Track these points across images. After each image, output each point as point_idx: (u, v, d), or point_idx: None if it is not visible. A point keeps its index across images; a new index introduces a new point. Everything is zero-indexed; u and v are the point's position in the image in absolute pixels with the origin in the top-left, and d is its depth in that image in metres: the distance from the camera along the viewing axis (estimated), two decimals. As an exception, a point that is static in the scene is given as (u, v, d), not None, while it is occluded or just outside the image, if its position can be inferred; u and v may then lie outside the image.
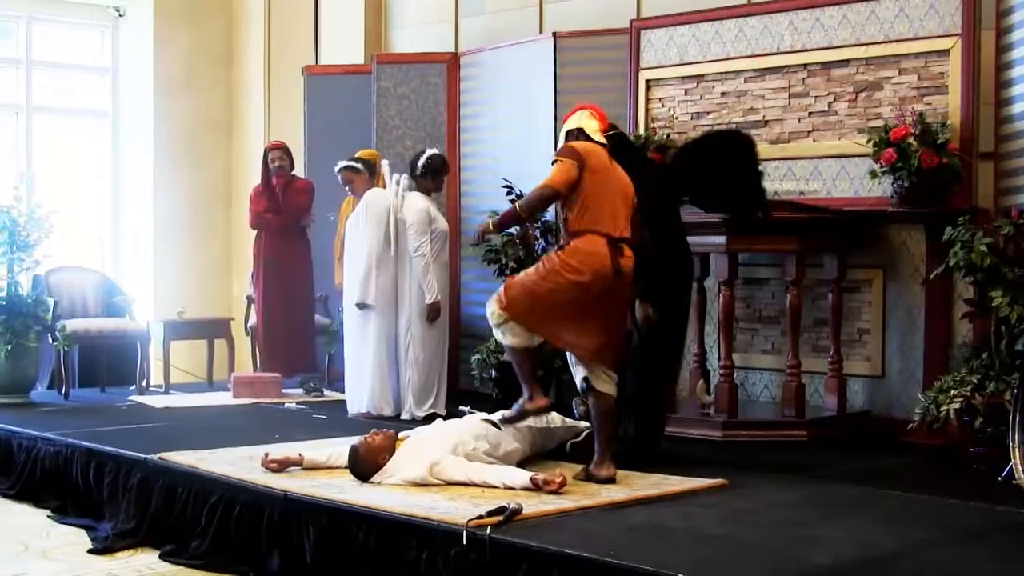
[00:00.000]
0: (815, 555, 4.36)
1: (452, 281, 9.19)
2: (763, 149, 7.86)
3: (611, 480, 5.62)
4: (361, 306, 8.16)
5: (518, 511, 4.84)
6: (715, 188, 6.57)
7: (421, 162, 8.21)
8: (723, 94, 8.17)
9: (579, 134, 5.90)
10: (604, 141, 5.90)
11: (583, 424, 6.40)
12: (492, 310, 5.78)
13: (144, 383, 9.70)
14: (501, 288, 5.81)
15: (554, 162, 5.75)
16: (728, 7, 8.16)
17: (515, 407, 5.93)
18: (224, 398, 9.25)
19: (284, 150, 9.54)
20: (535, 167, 8.35)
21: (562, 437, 6.35)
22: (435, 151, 8.37)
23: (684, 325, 6.56)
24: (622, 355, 5.86)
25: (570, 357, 5.86)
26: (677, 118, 8.35)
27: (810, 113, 7.77)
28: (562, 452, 6.33)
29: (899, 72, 7.39)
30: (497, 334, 5.84)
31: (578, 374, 5.80)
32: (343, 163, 8.50)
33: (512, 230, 7.98)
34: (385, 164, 8.58)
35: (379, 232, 8.18)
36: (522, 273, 5.88)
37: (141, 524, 6.22)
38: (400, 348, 8.18)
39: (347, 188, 8.57)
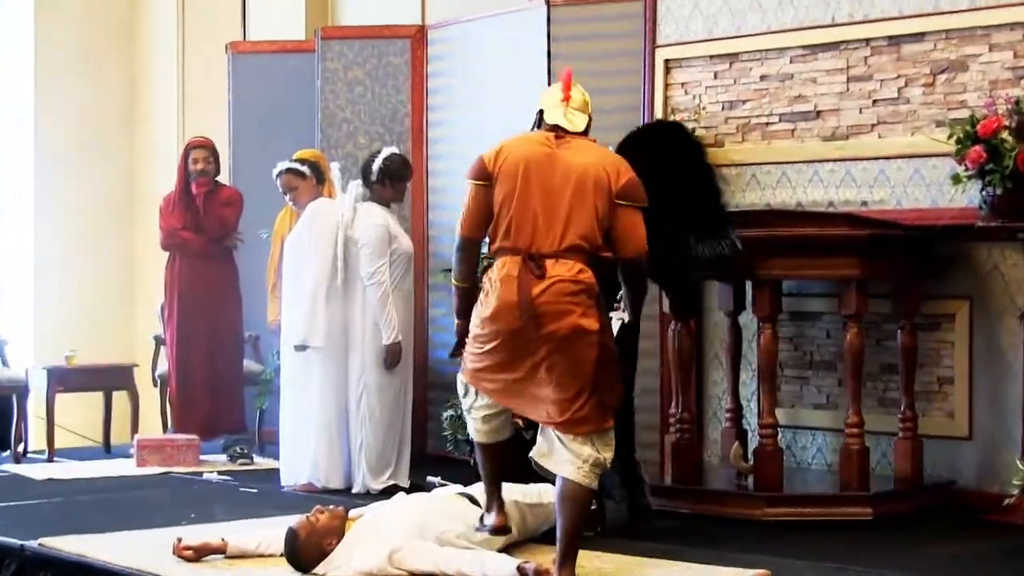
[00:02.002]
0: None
1: (418, 316, 9.16)
2: (815, 147, 7.92)
3: None
4: (301, 348, 8.13)
5: (503, 611, 4.83)
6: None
7: (377, 165, 8.20)
8: (763, 78, 8.18)
9: (539, 117, 5.87)
10: (560, 122, 5.72)
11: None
12: (459, 388, 5.79)
13: (21, 448, 9.64)
14: None
15: None
16: (769, -34, 8.20)
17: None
18: (126, 467, 9.21)
19: (211, 150, 9.51)
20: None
21: (559, 516, 6.32)
22: (394, 150, 8.37)
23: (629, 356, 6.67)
24: (609, 414, 5.54)
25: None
26: (704, 108, 8.35)
27: (875, 101, 7.77)
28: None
29: (989, 48, 7.40)
30: (470, 427, 5.83)
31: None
32: (285, 164, 8.49)
33: None
34: (335, 168, 8.57)
35: (327, 253, 8.16)
36: None
37: (17, 630, 6.18)
38: (351, 402, 8.15)
39: (287, 197, 8.56)
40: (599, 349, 5.42)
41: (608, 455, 5.48)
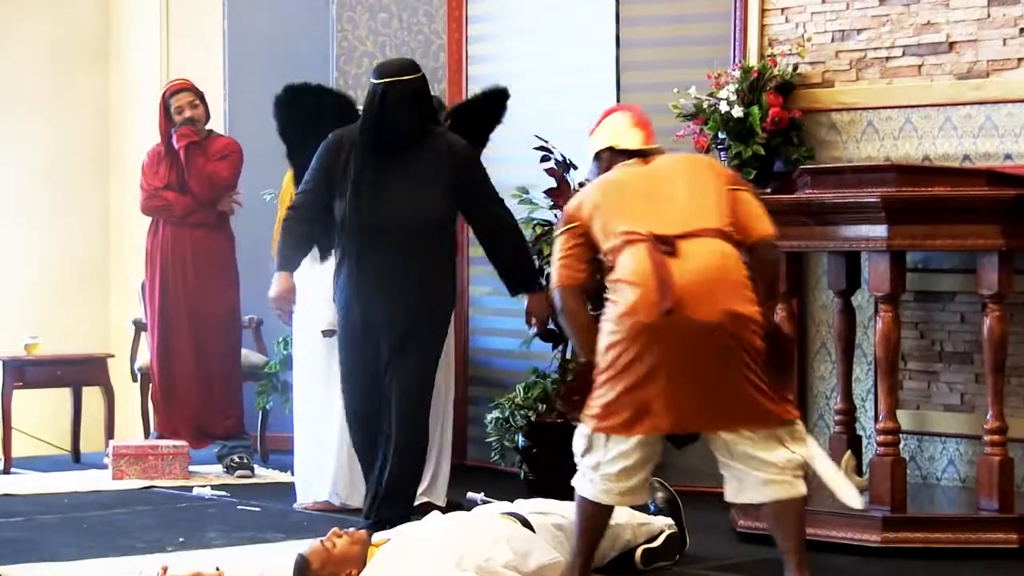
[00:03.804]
0: None
1: (458, 296, 9.14)
2: (947, 88, 7.87)
3: None
4: (330, 333, 8.11)
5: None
6: None
7: (407, 109, 8.21)
8: (883, 2, 8.13)
9: (610, 156, 6.10)
10: (640, 145, 6.05)
11: (660, 521, 6.41)
12: (576, 445, 5.81)
13: (-28, 457, 9.72)
14: None
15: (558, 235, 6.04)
16: None
17: None
18: (98, 479, 9.27)
19: (194, 94, 9.52)
20: (583, 118, 8.30)
21: (629, 541, 6.36)
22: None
23: None
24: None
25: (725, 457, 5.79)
26: (810, 40, 8.31)
27: (1022, 30, 7.73)
28: (629, 563, 6.34)
29: None
30: (593, 487, 5.78)
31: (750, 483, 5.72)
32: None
33: None
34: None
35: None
36: None
37: (-33, 677, 6.23)
38: (377, 401, 8.17)
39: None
40: (766, 336, 5.62)
41: (803, 450, 5.62)
